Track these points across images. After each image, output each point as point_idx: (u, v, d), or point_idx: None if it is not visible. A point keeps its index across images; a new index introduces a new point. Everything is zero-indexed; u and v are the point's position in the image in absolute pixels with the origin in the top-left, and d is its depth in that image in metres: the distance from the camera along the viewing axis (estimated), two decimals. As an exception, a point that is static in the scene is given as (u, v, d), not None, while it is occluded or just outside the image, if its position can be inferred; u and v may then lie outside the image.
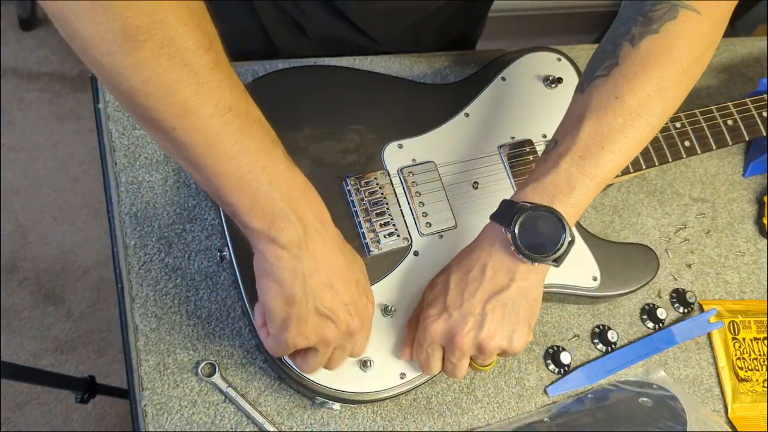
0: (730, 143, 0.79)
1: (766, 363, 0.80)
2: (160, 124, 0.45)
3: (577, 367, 0.74)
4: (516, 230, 0.56)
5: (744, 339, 0.80)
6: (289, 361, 0.62)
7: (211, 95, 0.44)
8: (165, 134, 0.46)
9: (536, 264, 0.57)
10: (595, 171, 0.57)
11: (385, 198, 0.69)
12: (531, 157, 0.75)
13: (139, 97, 0.43)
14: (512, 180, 0.74)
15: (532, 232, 0.56)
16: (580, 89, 0.61)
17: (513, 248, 0.57)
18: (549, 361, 0.73)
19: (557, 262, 0.57)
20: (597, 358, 0.75)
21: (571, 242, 0.56)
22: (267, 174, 0.48)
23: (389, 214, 0.69)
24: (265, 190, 0.48)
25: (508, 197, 0.61)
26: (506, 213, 0.58)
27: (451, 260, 0.64)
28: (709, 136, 0.79)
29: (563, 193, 0.57)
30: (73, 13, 0.40)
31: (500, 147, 0.75)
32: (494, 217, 0.60)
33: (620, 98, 0.57)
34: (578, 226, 0.74)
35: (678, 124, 0.78)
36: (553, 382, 0.73)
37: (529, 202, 0.57)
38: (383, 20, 0.80)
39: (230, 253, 0.65)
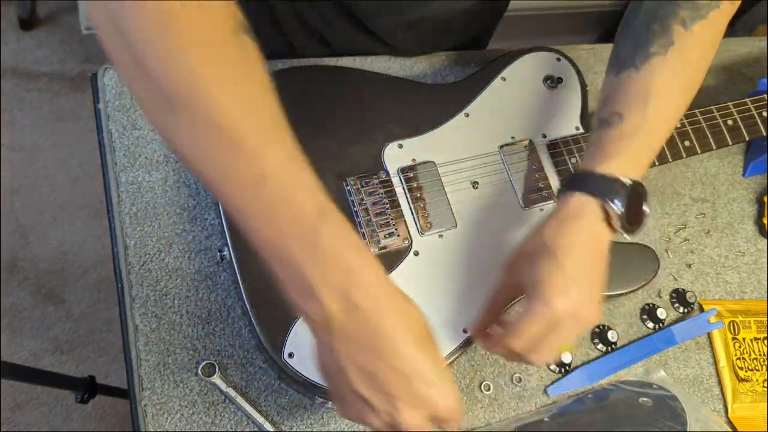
0: (730, 143, 0.79)
1: (766, 363, 0.80)
2: (203, 180, 0.46)
3: (577, 367, 0.74)
4: (621, 205, 0.58)
5: (744, 339, 0.80)
6: (289, 362, 0.62)
7: (244, 160, 0.44)
8: (210, 188, 0.46)
9: (629, 236, 0.60)
10: (657, 145, 0.63)
11: (385, 198, 0.69)
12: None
13: (184, 156, 0.45)
14: (512, 180, 0.74)
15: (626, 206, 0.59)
16: (633, 65, 0.63)
17: (616, 222, 0.58)
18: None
19: (638, 233, 0.61)
20: (597, 358, 0.75)
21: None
22: (299, 245, 0.45)
23: (389, 214, 0.69)
24: (294, 262, 0.45)
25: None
26: (607, 187, 0.58)
27: (534, 233, 0.60)
28: (709, 136, 0.79)
29: (638, 166, 0.61)
30: (126, 73, 0.43)
31: (501, 147, 0.75)
32: (590, 189, 0.59)
33: (680, 76, 0.62)
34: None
35: (678, 124, 0.78)
36: (553, 382, 0.73)
37: (630, 178, 0.59)
38: (405, 31, 0.81)
39: (230, 253, 0.65)
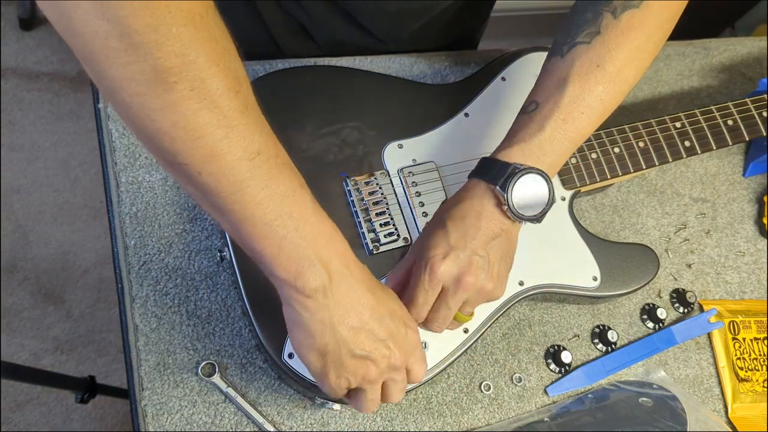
0: (730, 143, 0.79)
1: (766, 363, 0.80)
2: (186, 169, 0.44)
3: (577, 367, 0.74)
4: (512, 192, 0.58)
5: (744, 339, 0.80)
6: (289, 362, 0.62)
7: (240, 139, 0.43)
8: (191, 179, 0.44)
9: (523, 222, 0.60)
10: (575, 134, 0.61)
11: (385, 198, 0.69)
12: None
13: (166, 141, 0.42)
14: (512, 180, 0.74)
15: (520, 192, 0.59)
16: (559, 52, 0.63)
17: (505, 207, 0.59)
18: (550, 361, 0.73)
19: (539, 221, 0.61)
20: (597, 358, 0.75)
21: (554, 202, 0.61)
22: (294, 220, 0.47)
23: (389, 214, 0.69)
24: (291, 237, 0.47)
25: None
26: (498, 173, 0.59)
27: (434, 213, 0.63)
28: (709, 136, 0.79)
29: (546, 154, 0.60)
30: (103, 53, 0.39)
31: (500, 147, 0.75)
32: (484, 176, 0.61)
33: (601, 66, 0.60)
34: (578, 226, 0.74)
35: (678, 124, 0.78)
36: (553, 382, 0.73)
37: (521, 164, 0.59)
38: (389, 20, 0.80)
39: (230, 253, 0.65)
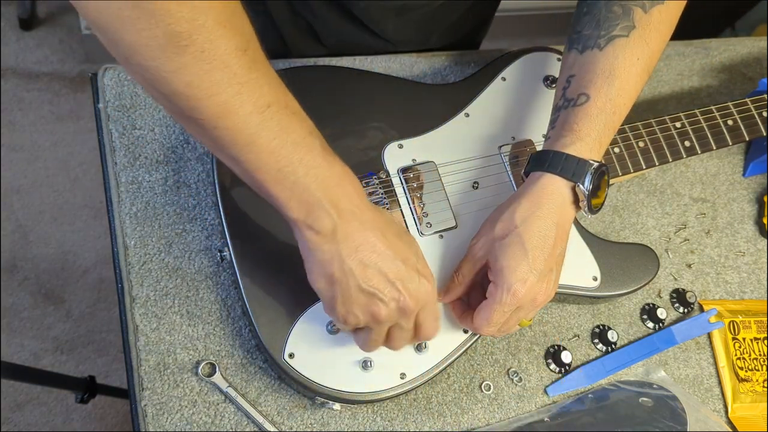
0: (730, 143, 0.79)
1: (766, 363, 0.80)
2: (201, 124, 0.47)
3: (577, 367, 0.74)
4: (590, 187, 0.60)
5: (744, 339, 0.80)
6: (289, 362, 0.62)
7: (251, 94, 0.46)
8: (206, 132, 0.48)
9: (590, 215, 0.63)
10: (618, 125, 0.65)
11: (385, 198, 0.69)
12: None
13: (182, 100, 0.46)
14: (512, 180, 0.74)
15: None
16: (596, 45, 0.65)
17: (584, 203, 0.61)
18: (550, 361, 0.73)
19: (598, 212, 0.64)
20: (597, 358, 0.75)
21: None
22: (304, 166, 0.50)
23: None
24: (302, 181, 0.50)
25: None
26: (579, 170, 0.60)
27: (506, 209, 0.63)
28: (709, 136, 0.78)
29: (602, 146, 0.64)
30: (118, 22, 0.42)
31: (501, 147, 0.75)
32: (563, 172, 0.61)
33: (640, 59, 0.64)
34: (578, 226, 0.74)
35: (678, 124, 0.78)
36: (553, 382, 0.73)
37: (595, 160, 0.61)
38: (393, 18, 0.81)
39: (230, 253, 0.65)
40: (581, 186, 0.61)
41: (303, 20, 0.82)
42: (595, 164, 0.61)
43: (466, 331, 0.67)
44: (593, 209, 0.62)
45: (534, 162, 0.64)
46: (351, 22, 0.80)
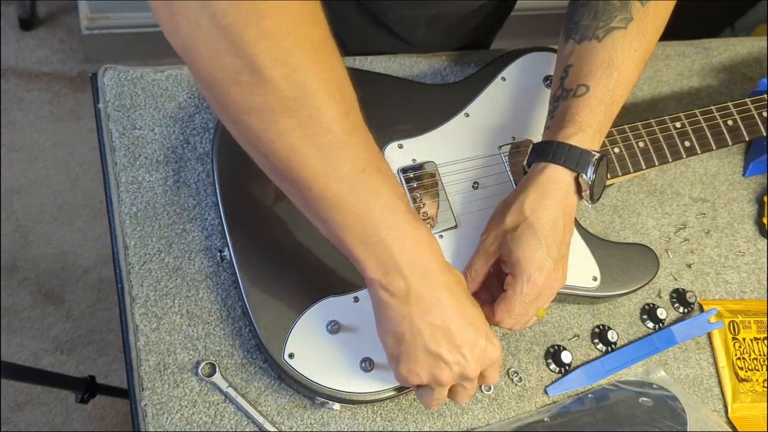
0: (730, 143, 0.79)
1: (766, 363, 0.80)
2: (297, 184, 0.48)
3: (577, 367, 0.74)
4: (593, 177, 0.62)
5: (744, 339, 0.80)
6: (289, 362, 0.62)
7: (348, 159, 0.48)
8: (299, 192, 0.49)
9: (591, 204, 0.65)
10: (615, 115, 0.66)
11: (385, 198, 0.69)
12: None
13: (282, 162, 0.47)
14: (513, 180, 0.74)
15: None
16: (594, 36, 0.66)
17: (587, 193, 0.62)
18: (550, 360, 0.73)
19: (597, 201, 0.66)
20: (597, 358, 0.75)
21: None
22: (386, 227, 0.51)
23: (389, 214, 0.69)
24: (384, 243, 0.51)
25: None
26: (583, 160, 0.62)
27: (513, 202, 0.63)
28: (709, 136, 0.78)
29: (602, 136, 0.65)
30: (233, 87, 0.43)
31: (501, 147, 0.75)
32: (567, 163, 0.62)
33: (638, 51, 0.65)
34: (578, 226, 0.74)
35: (678, 124, 0.78)
36: (553, 382, 0.73)
37: (596, 150, 0.63)
38: (425, 26, 0.82)
39: (230, 253, 0.65)
40: (584, 176, 0.62)
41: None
42: (597, 155, 0.62)
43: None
44: (596, 199, 0.64)
45: (537, 152, 0.64)
46: (380, 29, 0.81)
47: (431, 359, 0.54)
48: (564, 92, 0.65)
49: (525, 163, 0.66)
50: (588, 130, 0.63)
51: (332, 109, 0.45)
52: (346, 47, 0.84)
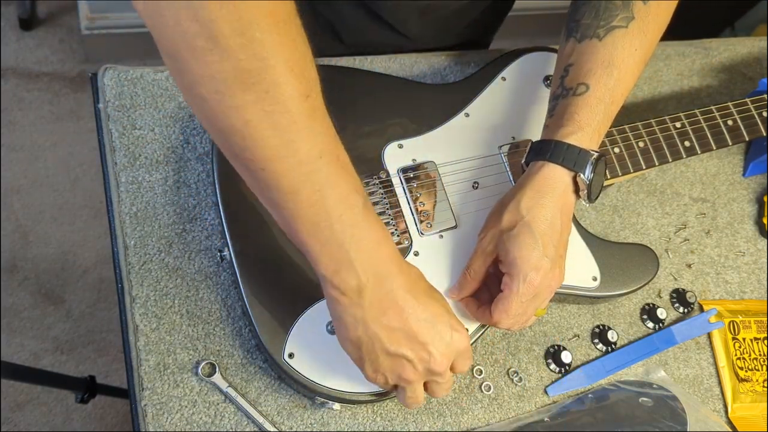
0: (730, 143, 0.79)
1: (766, 363, 0.80)
2: (250, 164, 0.47)
3: (577, 367, 0.74)
4: (591, 176, 0.61)
5: (744, 339, 0.80)
6: (289, 362, 0.62)
7: (305, 142, 0.46)
8: (253, 173, 0.47)
9: (589, 204, 0.65)
10: (615, 114, 0.65)
11: (385, 198, 0.69)
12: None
13: (236, 137, 0.45)
14: (512, 180, 0.74)
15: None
16: (594, 35, 0.65)
17: (584, 192, 0.62)
18: (550, 360, 0.73)
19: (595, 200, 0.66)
20: (597, 358, 0.75)
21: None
22: (341, 223, 0.49)
23: (389, 215, 0.69)
24: (337, 238, 0.49)
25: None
26: (581, 160, 0.61)
27: (510, 201, 0.63)
28: (709, 136, 0.78)
29: (601, 136, 0.65)
30: (189, 51, 0.42)
31: (501, 147, 0.75)
32: (565, 162, 0.62)
33: (639, 50, 0.65)
34: (578, 226, 0.74)
35: (678, 124, 0.78)
36: (553, 382, 0.73)
37: (594, 150, 0.63)
38: (416, 17, 0.81)
39: (230, 253, 0.65)
40: (582, 176, 0.61)
41: (324, 19, 0.82)
42: (595, 154, 0.62)
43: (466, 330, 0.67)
44: (594, 199, 0.63)
45: (535, 151, 0.64)
46: (375, 21, 0.81)
47: (393, 360, 0.54)
48: (564, 91, 0.65)
49: (523, 161, 0.66)
50: (587, 129, 0.63)
51: (291, 87, 0.44)
52: (342, 39, 0.84)
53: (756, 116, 0.81)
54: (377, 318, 0.52)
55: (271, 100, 0.44)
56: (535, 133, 0.76)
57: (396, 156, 0.72)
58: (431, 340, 0.54)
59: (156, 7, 0.41)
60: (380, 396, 0.64)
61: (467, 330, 0.57)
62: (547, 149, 0.62)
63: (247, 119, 0.44)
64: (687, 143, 0.77)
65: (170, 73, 0.45)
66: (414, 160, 0.72)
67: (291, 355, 0.62)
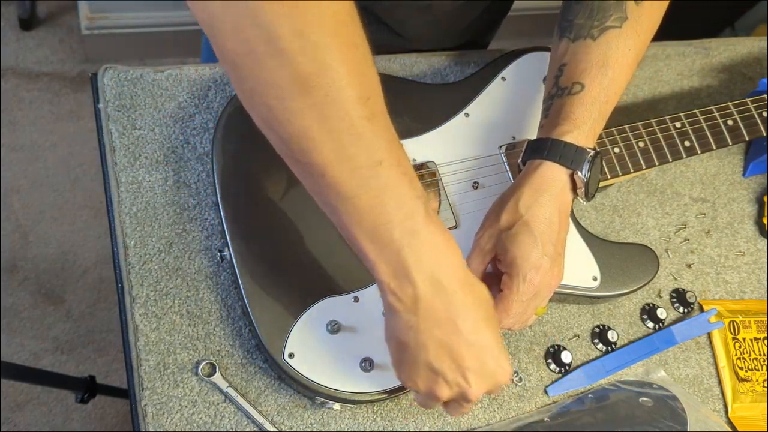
0: (730, 143, 0.79)
1: (766, 363, 0.80)
2: (310, 169, 0.46)
3: (577, 367, 0.74)
4: (588, 174, 0.62)
5: (744, 339, 0.80)
6: (289, 362, 0.62)
7: (365, 147, 0.46)
8: (313, 178, 0.47)
9: (586, 201, 0.64)
10: (608, 114, 0.66)
11: (385, 198, 0.69)
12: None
13: (296, 142, 0.45)
14: (512, 180, 0.74)
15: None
16: (589, 35, 0.66)
17: (582, 190, 0.62)
18: (550, 360, 0.73)
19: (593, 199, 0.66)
20: (597, 358, 0.75)
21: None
22: (401, 230, 0.48)
23: (389, 214, 0.69)
24: (396, 245, 0.48)
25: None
26: (578, 158, 0.62)
27: (508, 199, 0.63)
28: (709, 136, 0.78)
29: (596, 134, 0.65)
30: (249, 57, 0.42)
31: (501, 147, 0.75)
32: (562, 160, 0.62)
33: (632, 50, 0.65)
34: (578, 225, 0.74)
35: (678, 124, 0.78)
36: (553, 382, 0.73)
37: (590, 148, 0.63)
38: (414, 17, 0.81)
39: (230, 253, 0.65)
40: (579, 173, 0.62)
41: None
42: (592, 152, 0.62)
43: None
44: (592, 196, 0.64)
45: (532, 150, 0.64)
46: (372, 20, 0.81)
47: (432, 374, 0.52)
48: (559, 90, 0.65)
49: (520, 160, 0.66)
50: (583, 127, 0.63)
51: (350, 90, 0.43)
52: None
53: (756, 116, 0.81)
54: (430, 329, 0.50)
55: (330, 104, 0.43)
56: (535, 133, 0.76)
57: (396, 156, 0.71)
58: (474, 369, 0.52)
59: (212, 9, 0.41)
60: (380, 396, 0.64)
61: (510, 368, 0.55)
62: (544, 147, 0.63)
63: (307, 124, 0.44)
64: (687, 143, 0.77)
65: (231, 82, 0.45)
66: (414, 160, 0.72)
67: (291, 355, 0.62)
